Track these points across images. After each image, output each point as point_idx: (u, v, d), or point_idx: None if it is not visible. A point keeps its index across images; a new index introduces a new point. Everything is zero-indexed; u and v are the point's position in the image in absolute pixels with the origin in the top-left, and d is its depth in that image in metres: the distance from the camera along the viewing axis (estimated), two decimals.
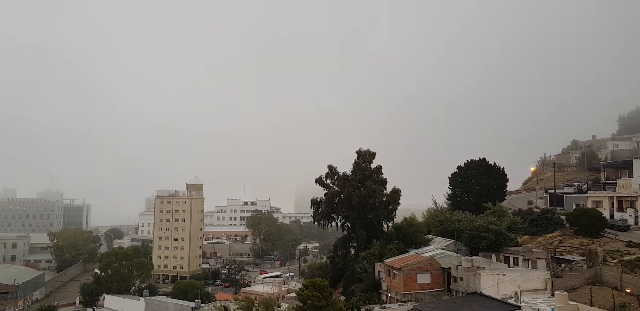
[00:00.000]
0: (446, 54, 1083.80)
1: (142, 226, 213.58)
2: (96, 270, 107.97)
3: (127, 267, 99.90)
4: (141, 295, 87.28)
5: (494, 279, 45.58)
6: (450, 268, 50.90)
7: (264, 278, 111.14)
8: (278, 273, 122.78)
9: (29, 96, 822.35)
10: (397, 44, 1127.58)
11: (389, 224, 72.14)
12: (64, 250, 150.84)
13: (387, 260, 56.69)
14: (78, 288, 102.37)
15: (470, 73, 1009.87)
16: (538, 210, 74.68)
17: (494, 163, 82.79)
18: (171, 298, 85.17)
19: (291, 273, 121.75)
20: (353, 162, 73.75)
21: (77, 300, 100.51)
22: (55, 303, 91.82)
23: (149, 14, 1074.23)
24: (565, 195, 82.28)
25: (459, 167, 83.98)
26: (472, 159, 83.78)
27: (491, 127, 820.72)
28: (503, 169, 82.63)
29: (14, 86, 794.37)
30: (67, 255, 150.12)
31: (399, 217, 73.33)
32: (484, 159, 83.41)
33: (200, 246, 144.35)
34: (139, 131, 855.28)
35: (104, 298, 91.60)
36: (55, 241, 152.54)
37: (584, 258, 54.18)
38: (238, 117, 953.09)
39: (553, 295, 42.16)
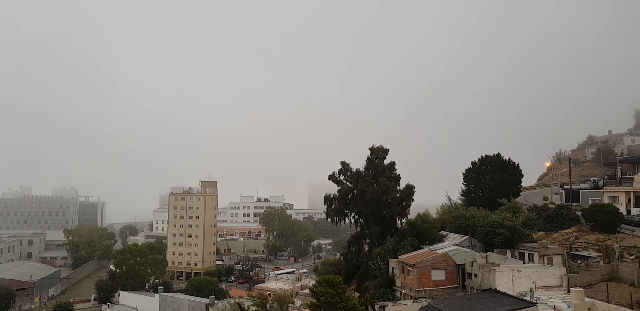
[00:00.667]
0: (462, 49, 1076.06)
1: (157, 223, 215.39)
2: (111, 267, 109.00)
3: (142, 264, 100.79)
4: (156, 291, 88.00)
5: (509, 275, 45.07)
6: (464, 264, 50.46)
7: (277, 274, 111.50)
8: (291, 270, 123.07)
9: (45, 95, 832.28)
10: (413, 38, 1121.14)
11: (403, 220, 71.77)
12: (80, 247, 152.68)
13: (401, 257, 56.38)
14: (93, 285, 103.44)
15: (486, 69, 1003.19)
16: (553, 206, 73.75)
17: (509, 159, 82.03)
18: (185, 294, 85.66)
19: (304, 270, 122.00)
20: (366, 158, 73.44)
21: (93, 296, 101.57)
22: (71, 300, 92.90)
23: (166, 12, 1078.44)
24: (581, 191, 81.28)
25: (473, 163, 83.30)
26: (486, 155, 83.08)
27: (506, 123, 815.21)
28: (518, 164, 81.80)
29: (31, 86, 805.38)
30: (82, 252, 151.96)
31: (412, 213, 72.92)
32: (498, 154, 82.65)
33: (214, 243, 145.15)
34: (153, 128, 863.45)
35: (119, 295, 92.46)
36: (70, 238, 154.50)
37: (600, 254, 53.38)
38: (251, 115, 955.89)
39: (569, 291, 41.58)
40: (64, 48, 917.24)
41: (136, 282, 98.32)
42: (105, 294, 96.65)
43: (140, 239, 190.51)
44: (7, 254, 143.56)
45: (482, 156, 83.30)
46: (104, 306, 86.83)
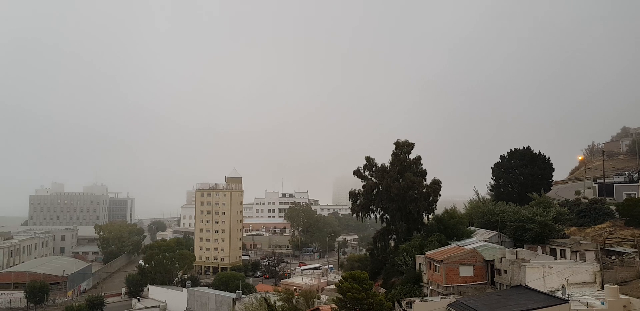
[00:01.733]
0: (491, 38, 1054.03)
1: (184, 219, 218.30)
2: (140, 262, 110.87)
3: (170, 259, 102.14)
4: (184, 285, 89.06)
5: (540, 272, 43.99)
6: (493, 260, 49.51)
7: (303, 269, 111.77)
8: (317, 265, 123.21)
9: (74, 92, 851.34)
10: (442, 26, 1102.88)
11: (430, 216, 70.85)
12: (110, 242, 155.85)
13: (428, 252, 55.65)
14: (123, 279, 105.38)
15: (515, 59, 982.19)
16: (586, 200, 71.74)
17: (539, 152, 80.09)
18: (213, 289, 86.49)
19: (330, 265, 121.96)
20: (391, 153, 72.61)
21: (123, 290, 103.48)
22: (103, 294, 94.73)
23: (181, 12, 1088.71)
24: (615, 185, 78.91)
25: (502, 157, 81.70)
26: (515, 149, 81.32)
27: (536, 115, 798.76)
28: (549, 158, 79.85)
29: (61, 83, 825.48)
30: (112, 247, 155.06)
31: (439, 209, 71.92)
32: (528, 148, 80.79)
33: (240, 238, 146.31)
34: (179, 126, 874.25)
35: (148, 289, 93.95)
36: (101, 233, 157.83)
37: (635, 250, 51.62)
38: (275, 111, 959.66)
39: (603, 288, 40.40)
40: (94, 44, 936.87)
41: (165, 277, 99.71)
42: (135, 288, 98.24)
43: (168, 234, 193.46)
44: (41, 249, 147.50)
45: (511, 150, 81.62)
46: (134, 300, 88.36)
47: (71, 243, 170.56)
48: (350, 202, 76.68)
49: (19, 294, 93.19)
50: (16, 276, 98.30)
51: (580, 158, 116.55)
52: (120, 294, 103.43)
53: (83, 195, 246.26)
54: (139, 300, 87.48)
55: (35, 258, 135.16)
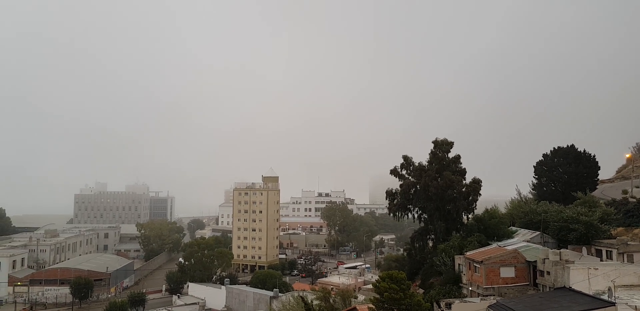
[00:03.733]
0: (531, 34, 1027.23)
1: (222, 217, 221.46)
2: (180, 259, 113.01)
3: (209, 257, 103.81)
4: (222, 283, 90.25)
5: (585, 273, 42.49)
6: (536, 261, 48.18)
7: (346, 267, 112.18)
8: (361, 263, 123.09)
9: (114, 90, 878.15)
10: (486, 24, 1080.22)
11: (469, 216, 69.54)
12: (151, 240, 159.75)
13: (468, 253, 54.60)
14: (164, 276, 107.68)
15: (556, 55, 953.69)
16: (634, 200, 68.84)
17: (584, 150, 77.56)
18: (250, 287, 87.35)
19: (367, 265, 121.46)
20: (429, 152, 71.61)
21: (164, 287, 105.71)
22: (144, 290, 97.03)
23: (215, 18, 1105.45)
24: None
25: (544, 155, 79.58)
26: (559, 147, 79.06)
27: (580, 111, 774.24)
28: (594, 156, 77.21)
29: (103, 81, 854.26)
30: (153, 245, 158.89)
31: (479, 209, 70.45)
32: (572, 146, 78.36)
33: (277, 237, 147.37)
34: (215, 125, 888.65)
35: (187, 286, 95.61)
36: (142, 231, 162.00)
37: None
38: (308, 106, 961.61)
39: None
40: (127, 40, 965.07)
41: (204, 274, 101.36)
42: (175, 285, 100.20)
43: (207, 233, 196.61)
44: (85, 246, 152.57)
45: (554, 148, 79.41)
46: (174, 297, 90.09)
47: (114, 240, 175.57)
48: (387, 201, 76.04)
49: (65, 290, 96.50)
50: (62, 273, 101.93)
51: (627, 156, 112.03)
52: (161, 291, 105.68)
53: (125, 194, 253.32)
54: (179, 297, 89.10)
55: (80, 255, 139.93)
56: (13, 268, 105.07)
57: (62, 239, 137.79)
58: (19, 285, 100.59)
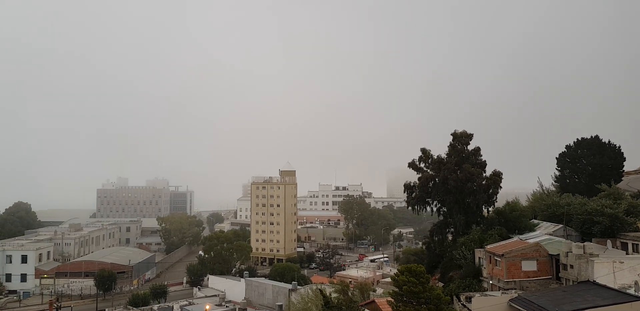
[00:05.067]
0: (555, 22, 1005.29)
1: (240, 211, 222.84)
2: (200, 252, 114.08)
3: (228, 250, 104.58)
4: (241, 276, 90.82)
5: (610, 267, 41.62)
6: (558, 255, 47.35)
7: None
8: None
9: (131, 89, 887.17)
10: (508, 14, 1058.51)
11: (489, 209, 68.64)
12: (171, 234, 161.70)
13: (488, 246, 53.91)
14: (185, 269, 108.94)
15: (579, 42, 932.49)
16: None
17: (609, 141, 75.92)
18: (269, 279, 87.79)
19: (386, 258, 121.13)
20: (448, 144, 70.69)
21: (185, 279, 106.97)
22: (165, 283, 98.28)
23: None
24: None
25: (567, 146, 78.07)
26: (582, 138, 77.42)
27: (603, 102, 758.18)
28: (619, 147, 75.50)
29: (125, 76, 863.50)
30: (174, 238, 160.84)
31: (500, 201, 69.48)
32: (596, 137, 76.71)
33: (294, 231, 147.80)
34: (231, 120, 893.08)
35: (208, 279, 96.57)
36: (163, 225, 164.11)
37: None
38: (323, 102, 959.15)
39: None
40: (144, 36, 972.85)
41: (223, 267, 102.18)
42: (196, 278, 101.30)
43: (225, 226, 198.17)
44: (108, 240, 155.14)
45: (577, 139, 77.84)
46: (195, 289, 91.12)
47: (135, 234, 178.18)
48: (406, 195, 75.46)
49: (89, 282, 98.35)
50: (86, 265, 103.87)
51: None
52: (182, 283, 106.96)
53: (145, 189, 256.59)
54: (199, 289, 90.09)
55: (103, 248, 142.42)
56: (39, 261, 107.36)
57: (86, 233, 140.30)
58: (45, 278, 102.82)
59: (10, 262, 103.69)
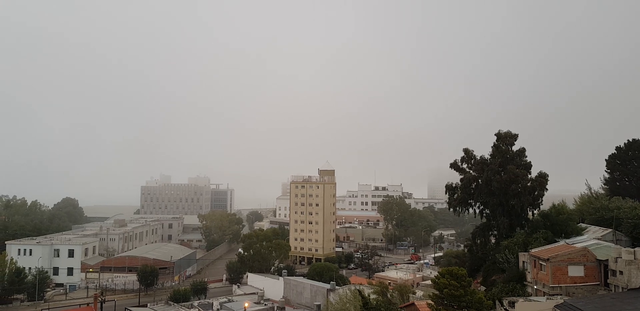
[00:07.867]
0: (602, 19, 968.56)
1: (279, 210, 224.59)
2: (240, 250, 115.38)
3: (267, 248, 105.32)
4: (280, 274, 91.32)
5: None
6: (607, 260, 45.50)
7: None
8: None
9: (175, 88, 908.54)
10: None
11: (534, 211, 66.65)
12: (212, 231, 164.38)
13: (533, 250, 52.33)
14: (224, 266, 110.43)
15: (625, 42, 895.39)
16: None
17: None
18: (307, 279, 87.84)
19: (426, 260, 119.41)
20: (492, 145, 69.07)
21: (224, 277, 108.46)
22: (206, 279, 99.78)
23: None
24: None
25: (617, 148, 74.98)
26: (634, 139, 74.16)
27: None
28: None
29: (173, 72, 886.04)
30: (214, 235, 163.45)
31: (546, 204, 67.31)
32: None
33: (333, 230, 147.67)
34: (272, 119, 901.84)
35: (247, 276, 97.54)
36: (204, 222, 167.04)
37: None
38: (363, 100, 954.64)
39: None
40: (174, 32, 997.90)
41: (262, 265, 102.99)
42: (235, 275, 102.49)
43: (265, 224, 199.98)
44: (151, 236, 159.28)
45: (628, 140, 74.67)
46: (234, 287, 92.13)
47: (177, 230, 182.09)
48: (447, 196, 74.18)
49: (132, 277, 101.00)
50: (130, 261, 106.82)
51: None
52: (222, 280, 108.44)
53: (187, 186, 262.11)
54: (238, 287, 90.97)
55: (146, 244, 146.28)
56: (85, 255, 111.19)
57: (129, 228, 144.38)
58: (90, 272, 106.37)
59: (58, 256, 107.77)
